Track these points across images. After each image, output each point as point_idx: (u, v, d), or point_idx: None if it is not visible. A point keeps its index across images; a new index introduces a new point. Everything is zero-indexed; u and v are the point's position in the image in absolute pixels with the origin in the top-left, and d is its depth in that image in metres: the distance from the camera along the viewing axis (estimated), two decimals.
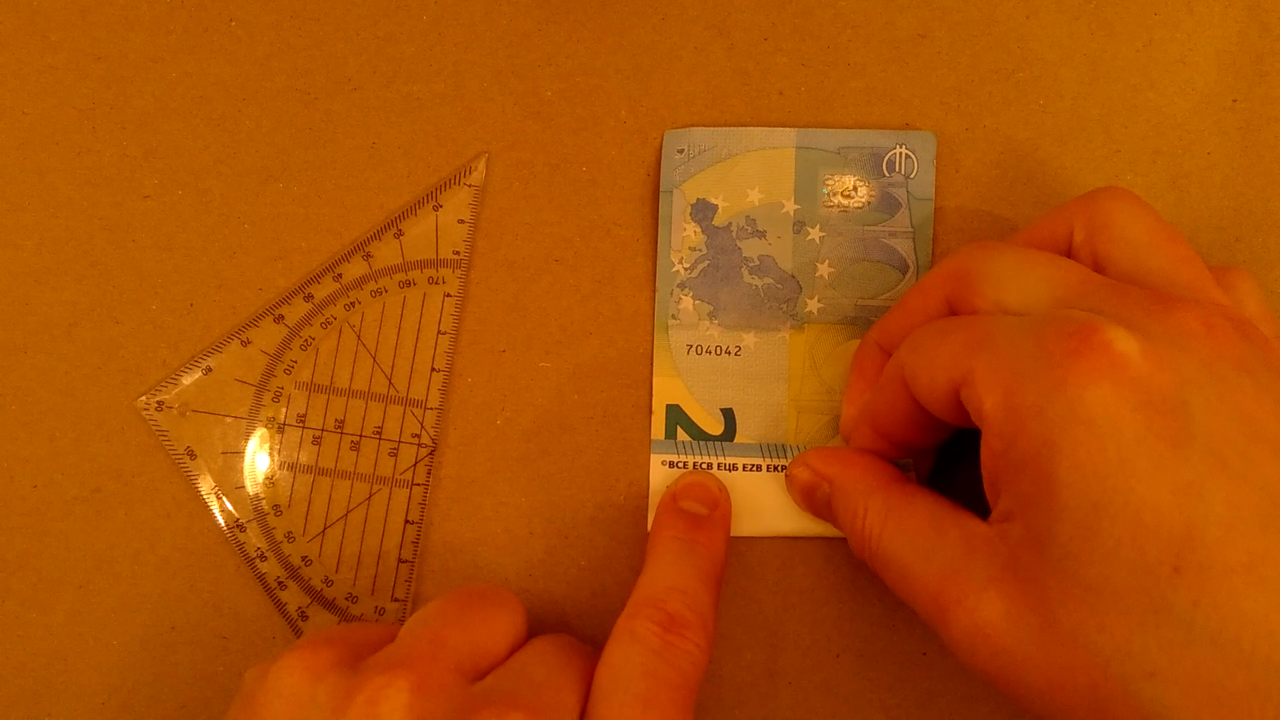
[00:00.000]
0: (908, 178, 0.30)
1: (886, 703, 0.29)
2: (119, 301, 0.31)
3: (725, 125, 0.31)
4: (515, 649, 0.25)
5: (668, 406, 0.30)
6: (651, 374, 0.30)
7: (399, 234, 0.31)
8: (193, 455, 0.30)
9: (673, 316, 0.30)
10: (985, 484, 0.23)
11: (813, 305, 0.30)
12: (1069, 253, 0.25)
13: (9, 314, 0.31)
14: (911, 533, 0.24)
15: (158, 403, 0.31)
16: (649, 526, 0.30)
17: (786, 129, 0.31)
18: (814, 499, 0.28)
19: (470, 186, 0.31)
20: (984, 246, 0.25)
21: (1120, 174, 0.31)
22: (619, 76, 0.32)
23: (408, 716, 0.22)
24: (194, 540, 0.31)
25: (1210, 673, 0.19)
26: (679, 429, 0.30)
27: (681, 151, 0.31)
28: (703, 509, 0.29)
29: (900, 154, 0.30)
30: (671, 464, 0.30)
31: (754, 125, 0.31)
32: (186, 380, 0.31)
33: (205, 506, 0.30)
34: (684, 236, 0.30)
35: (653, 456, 0.30)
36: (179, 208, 0.31)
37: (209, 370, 0.31)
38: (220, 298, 0.31)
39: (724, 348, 0.30)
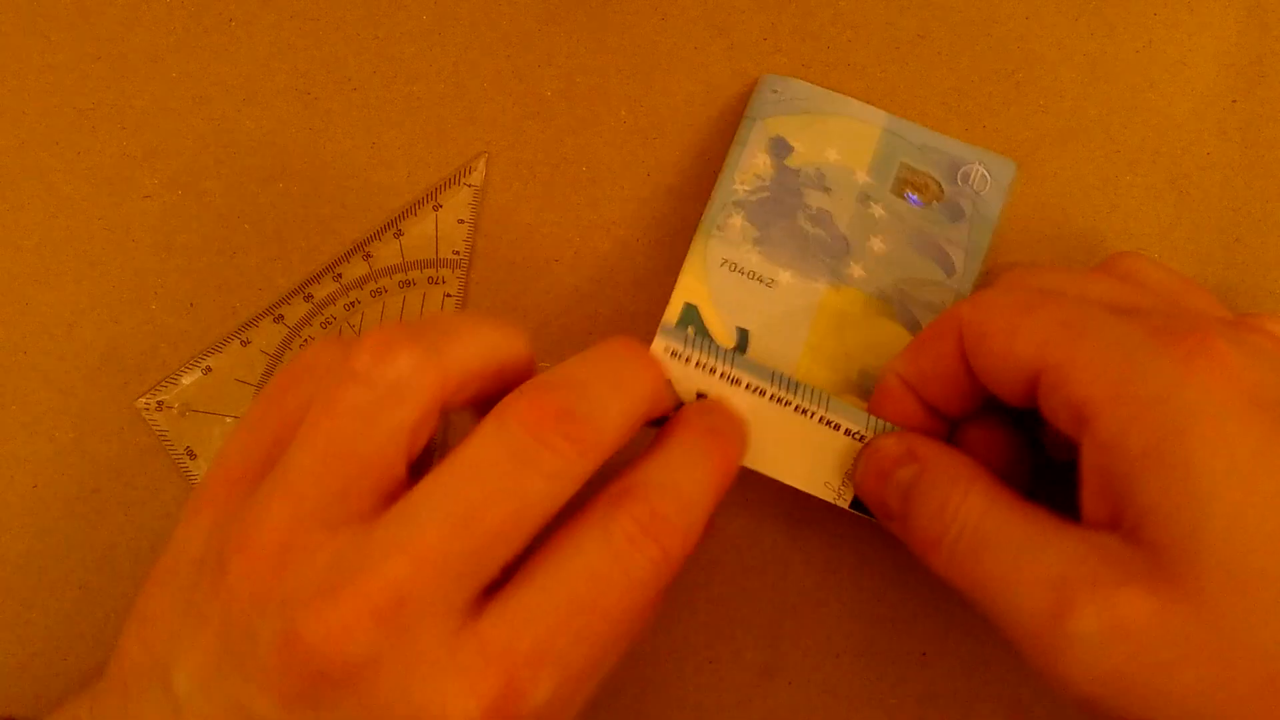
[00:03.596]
0: (978, 194, 0.30)
1: (886, 703, 0.29)
2: (119, 301, 0.31)
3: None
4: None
5: (685, 305, 0.29)
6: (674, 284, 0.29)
7: (399, 234, 0.31)
8: (193, 455, 0.30)
9: (718, 228, 0.29)
10: (1086, 476, 0.22)
11: (857, 270, 0.29)
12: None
13: (9, 314, 0.31)
14: (1018, 529, 0.23)
15: (158, 403, 0.31)
16: None
17: (879, 110, 0.31)
18: (888, 481, 0.25)
19: (470, 186, 0.31)
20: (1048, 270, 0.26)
21: (1120, 174, 0.31)
22: (619, 76, 0.32)
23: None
24: None
25: None
26: (690, 328, 0.29)
27: (776, 92, 0.31)
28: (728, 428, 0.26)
29: (977, 171, 0.30)
30: (675, 354, 0.27)
31: None
32: (186, 380, 0.31)
33: None
34: (754, 164, 0.30)
35: (658, 339, 0.27)
36: (179, 208, 0.31)
37: (209, 370, 0.31)
38: (220, 298, 0.31)
39: (759, 275, 0.29)
